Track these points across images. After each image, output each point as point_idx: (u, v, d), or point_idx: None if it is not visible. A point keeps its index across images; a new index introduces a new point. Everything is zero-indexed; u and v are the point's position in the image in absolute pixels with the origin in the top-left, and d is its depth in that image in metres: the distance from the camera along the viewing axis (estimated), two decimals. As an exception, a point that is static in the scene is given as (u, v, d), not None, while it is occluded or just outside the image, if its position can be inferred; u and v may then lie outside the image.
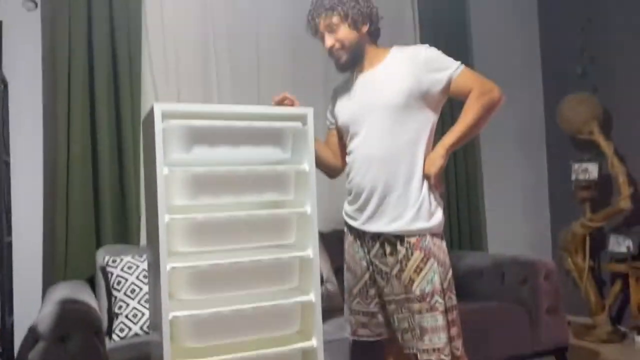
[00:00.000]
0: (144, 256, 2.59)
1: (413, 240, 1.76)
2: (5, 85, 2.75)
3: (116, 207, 2.86)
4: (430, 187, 1.80)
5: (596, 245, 3.66)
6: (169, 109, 1.58)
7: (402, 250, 1.77)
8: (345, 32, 1.85)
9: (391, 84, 1.80)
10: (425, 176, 1.80)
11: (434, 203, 1.81)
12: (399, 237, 1.78)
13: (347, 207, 1.97)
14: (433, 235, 1.79)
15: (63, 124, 2.73)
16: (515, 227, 3.98)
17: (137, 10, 2.92)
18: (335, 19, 1.84)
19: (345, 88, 1.99)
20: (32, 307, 2.73)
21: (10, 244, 2.71)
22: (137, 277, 2.51)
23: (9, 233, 2.71)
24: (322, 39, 1.90)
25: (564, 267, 3.72)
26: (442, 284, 1.75)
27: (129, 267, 2.53)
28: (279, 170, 1.76)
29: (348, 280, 1.97)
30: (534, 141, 4.09)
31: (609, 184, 3.60)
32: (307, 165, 1.78)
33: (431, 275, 1.74)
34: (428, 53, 1.81)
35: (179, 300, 1.67)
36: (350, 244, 1.96)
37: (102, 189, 2.80)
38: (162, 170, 1.57)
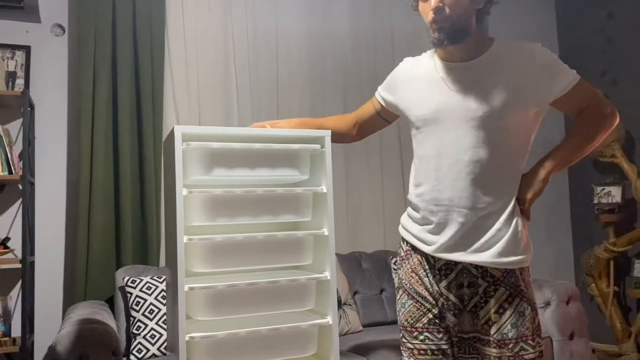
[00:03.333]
0: (163, 277, 2.60)
1: (498, 274, 1.46)
2: (32, 108, 2.82)
3: (137, 229, 2.89)
4: (522, 214, 1.50)
5: (621, 270, 3.58)
6: (189, 131, 1.61)
7: (483, 284, 1.47)
8: (460, 0, 1.45)
9: (499, 87, 1.45)
10: (520, 201, 1.49)
11: (523, 232, 1.49)
12: (481, 269, 1.48)
13: (413, 227, 1.59)
14: (522, 270, 1.48)
15: (86, 146, 2.79)
16: (536, 251, 3.89)
17: (160, 34, 3.00)
18: None
19: (426, 71, 1.58)
20: (52, 327, 2.77)
21: (32, 264, 2.76)
22: (156, 298, 2.52)
23: (32, 253, 2.75)
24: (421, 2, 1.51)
25: (588, 293, 3.64)
26: (531, 329, 1.45)
27: (148, 288, 2.54)
28: (297, 192, 1.77)
29: (410, 312, 1.56)
30: (555, 164, 4.05)
31: (633, 208, 3.53)
32: (325, 187, 1.78)
33: (516, 318, 1.44)
34: (545, 56, 1.47)
35: (196, 321, 1.68)
36: (413, 268, 1.58)
37: (123, 211, 2.84)
38: (181, 192, 1.59)
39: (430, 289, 1.53)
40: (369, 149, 3.46)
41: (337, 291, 2.82)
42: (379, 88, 1.74)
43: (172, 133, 1.62)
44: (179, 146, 1.59)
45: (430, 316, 1.53)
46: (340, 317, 2.75)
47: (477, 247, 1.46)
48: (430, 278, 1.54)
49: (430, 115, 1.52)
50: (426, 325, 1.53)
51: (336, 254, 3.00)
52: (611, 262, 3.50)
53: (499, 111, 1.44)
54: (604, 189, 3.55)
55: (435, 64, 1.56)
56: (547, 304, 2.71)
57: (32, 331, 2.71)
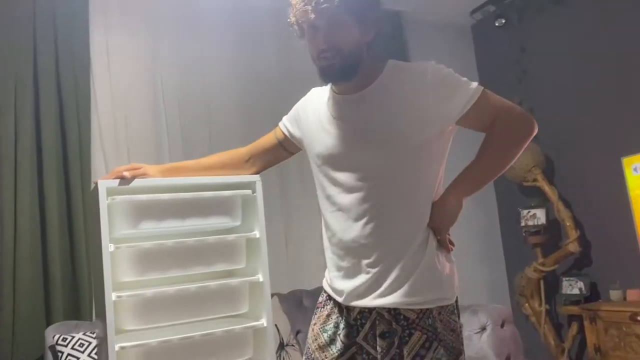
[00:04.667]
0: (97, 332, 2.50)
1: (413, 316, 1.31)
2: (-52, 163, 2.68)
3: (67, 283, 2.78)
4: (439, 246, 1.37)
5: (551, 288, 3.74)
6: (114, 185, 1.58)
7: (398, 330, 1.32)
8: (350, 34, 1.34)
9: (390, 115, 1.34)
10: (434, 231, 1.36)
11: (444, 265, 1.35)
12: (394, 312, 1.33)
13: (328, 274, 1.48)
14: (442, 308, 1.33)
15: (9, 198, 2.67)
16: (472, 276, 4.03)
17: (85, 80, 2.95)
18: (338, 11, 1.31)
19: (324, 106, 1.48)
20: (-25, 395, 2.58)
21: (-49, 328, 2.58)
22: (89, 355, 2.41)
23: (-49, 317, 2.58)
24: (310, 32, 1.38)
25: (523, 313, 3.78)
26: None
27: (81, 345, 2.43)
28: (229, 240, 1.76)
29: None
30: (484, 190, 4.21)
31: (557, 228, 3.72)
32: (258, 232, 1.78)
33: None
34: (437, 73, 1.34)
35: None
36: (320, 323, 1.46)
37: (51, 264, 2.72)
38: (107, 248, 1.54)
39: (338, 342, 1.39)
40: (306, 186, 3.48)
41: (279, 333, 2.79)
42: (284, 119, 1.63)
43: (96, 187, 1.59)
44: (103, 201, 1.55)
45: None
46: (284, 359, 2.72)
47: (386, 288, 1.32)
48: (341, 334, 1.40)
49: (326, 152, 1.42)
50: None
51: (276, 294, 2.99)
52: (541, 282, 3.66)
53: (395, 138, 1.33)
54: (529, 211, 3.73)
55: (330, 98, 1.46)
56: (483, 328, 2.79)
57: (-48, 402, 2.52)
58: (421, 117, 1.32)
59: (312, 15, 1.33)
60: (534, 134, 1.38)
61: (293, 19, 1.40)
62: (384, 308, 1.33)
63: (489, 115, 1.36)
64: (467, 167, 1.40)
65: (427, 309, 1.31)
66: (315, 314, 1.50)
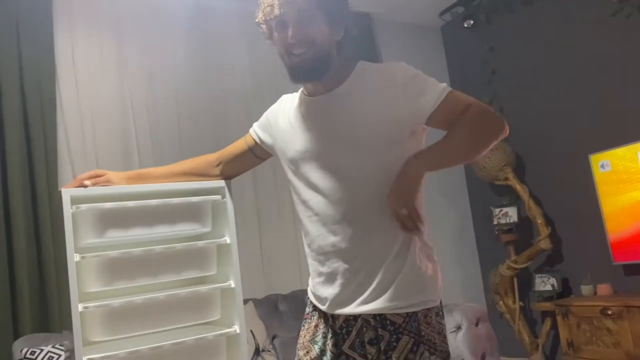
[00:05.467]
0: (67, 343, 2.44)
1: (399, 321, 1.29)
2: None
3: (35, 295, 2.71)
4: (403, 226, 1.27)
5: (524, 285, 3.79)
6: (78, 193, 1.54)
7: (385, 335, 1.30)
8: (319, 29, 1.33)
9: (360, 115, 1.33)
10: (388, 200, 1.27)
11: (427, 265, 1.33)
12: (380, 318, 1.31)
13: (311, 282, 1.46)
14: (427, 310, 1.31)
15: (-28, 210, 2.60)
16: (447, 274, 4.04)
17: (50, 85, 2.89)
18: (312, 8, 1.31)
19: (294, 110, 1.46)
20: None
21: None
22: (59, 368, 2.36)
23: None
24: (278, 29, 1.35)
25: (497, 310, 3.82)
26: None
27: (50, 358, 2.37)
28: (199, 246, 1.73)
29: None
30: (456, 190, 4.26)
31: (529, 226, 3.77)
32: (229, 237, 1.75)
33: None
34: (406, 73, 1.34)
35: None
36: (309, 334, 1.43)
37: (19, 276, 2.66)
38: (72, 258, 1.50)
39: (326, 354, 1.37)
40: (280, 191, 3.46)
41: (255, 338, 2.77)
42: (255, 125, 1.61)
43: (59, 197, 1.55)
44: (67, 210, 1.51)
45: None
46: (259, 364, 2.69)
47: (370, 294, 1.30)
48: (329, 343, 1.38)
49: (299, 156, 1.40)
50: None
51: (251, 300, 2.96)
52: (514, 279, 3.70)
53: (367, 139, 1.31)
54: (501, 210, 3.78)
55: (300, 101, 1.45)
56: (458, 327, 2.81)
57: None
58: (392, 117, 1.31)
59: (279, 10, 1.31)
60: (505, 132, 1.35)
61: (261, 18, 1.38)
62: (370, 314, 1.32)
63: (457, 110, 1.33)
64: (434, 143, 1.35)
65: (413, 312, 1.30)
66: (304, 325, 1.47)
